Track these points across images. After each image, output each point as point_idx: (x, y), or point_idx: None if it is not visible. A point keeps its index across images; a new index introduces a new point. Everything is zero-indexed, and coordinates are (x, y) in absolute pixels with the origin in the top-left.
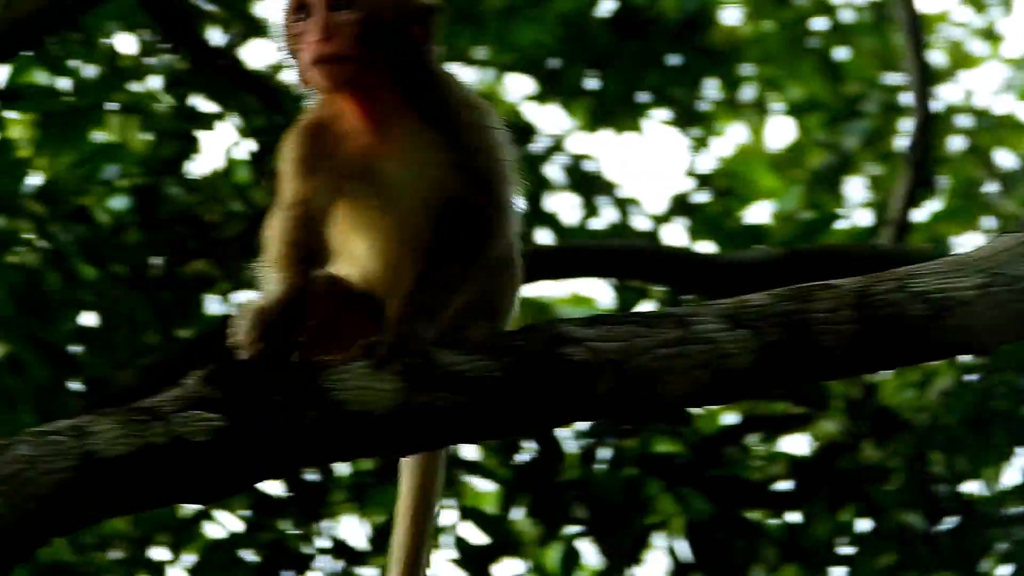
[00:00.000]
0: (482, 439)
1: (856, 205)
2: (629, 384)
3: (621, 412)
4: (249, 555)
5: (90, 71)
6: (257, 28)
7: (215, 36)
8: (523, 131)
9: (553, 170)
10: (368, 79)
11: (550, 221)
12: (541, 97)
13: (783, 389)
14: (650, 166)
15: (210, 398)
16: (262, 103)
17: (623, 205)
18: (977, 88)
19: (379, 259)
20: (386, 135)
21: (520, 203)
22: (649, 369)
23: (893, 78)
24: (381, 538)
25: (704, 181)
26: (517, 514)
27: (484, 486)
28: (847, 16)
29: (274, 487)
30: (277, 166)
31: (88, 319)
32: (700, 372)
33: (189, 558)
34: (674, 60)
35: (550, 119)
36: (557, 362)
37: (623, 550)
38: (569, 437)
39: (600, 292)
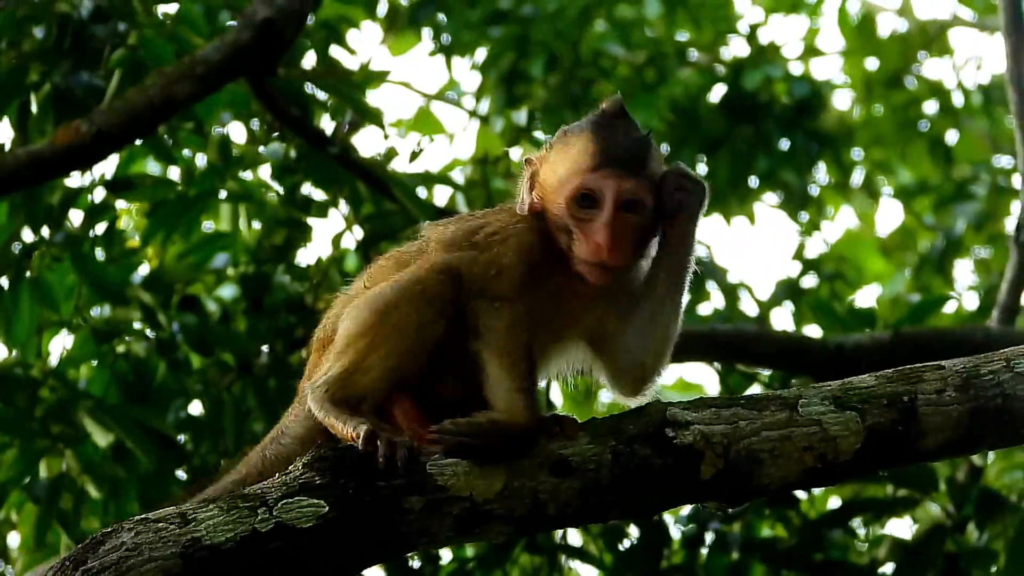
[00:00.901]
0: (587, 523)
1: (964, 288)
2: (734, 467)
3: (726, 495)
4: None
5: (201, 159)
6: (367, 116)
7: (326, 124)
8: None
9: None
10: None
11: None
12: None
13: (888, 471)
14: (759, 250)
15: (315, 484)
16: (371, 190)
17: (732, 290)
18: None
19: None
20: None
21: None
22: (755, 452)
23: (1003, 160)
24: None
25: (812, 265)
26: None
27: (589, 573)
28: (957, 99)
29: (378, 573)
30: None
31: (195, 407)
32: (806, 455)
33: None
34: (784, 144)
35: None
36: (664, 445)
37: None
38: (673, 521)
39: (706, 377)
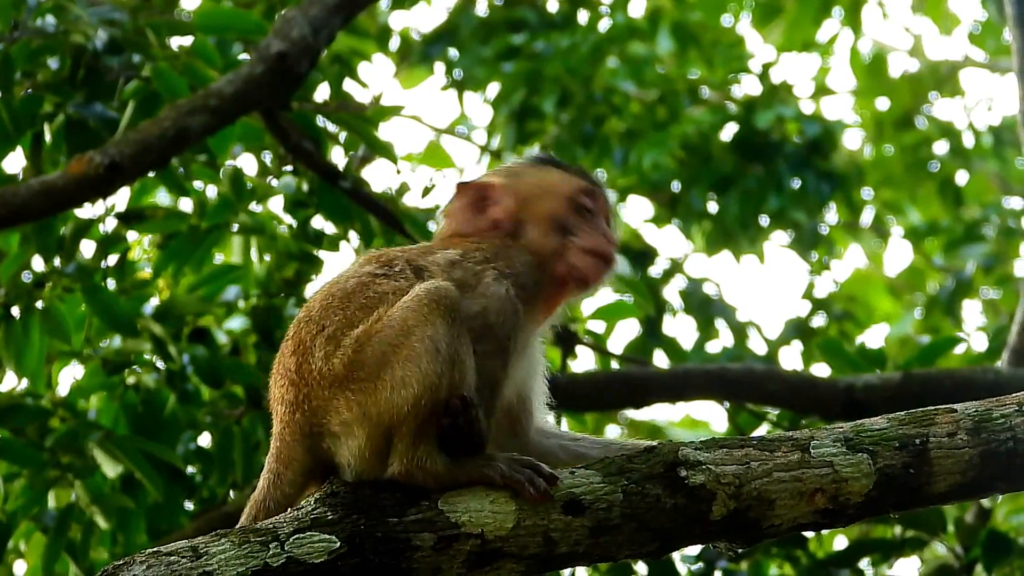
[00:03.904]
0: (597, 562)
1: (973, 329)
2: (745, 508)
3: (736, 535)
4: None
5: (213, 192)
6: (379, 150)
7: (338, 157)
8: (643, 254)
9: (671, 293)
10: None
11: (668, 344)
12: (660, 220)
13: (899, 512)
14: (768, 288)
15: (326, 520)
16: (383, 224)
17: (741, 328)
18: None
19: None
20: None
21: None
22: (766, 493)
23: (1013, 202)
24: None
25: (821, 304)
26: None
27: None
28: (968, 140)
29: None
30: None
31: (204, 439)
32: (817, 497)
33: None
34: (795, 183)
35: (669, 242)
36: (676, 485)
37: None
38: (680, 559)
39: (713, 415)
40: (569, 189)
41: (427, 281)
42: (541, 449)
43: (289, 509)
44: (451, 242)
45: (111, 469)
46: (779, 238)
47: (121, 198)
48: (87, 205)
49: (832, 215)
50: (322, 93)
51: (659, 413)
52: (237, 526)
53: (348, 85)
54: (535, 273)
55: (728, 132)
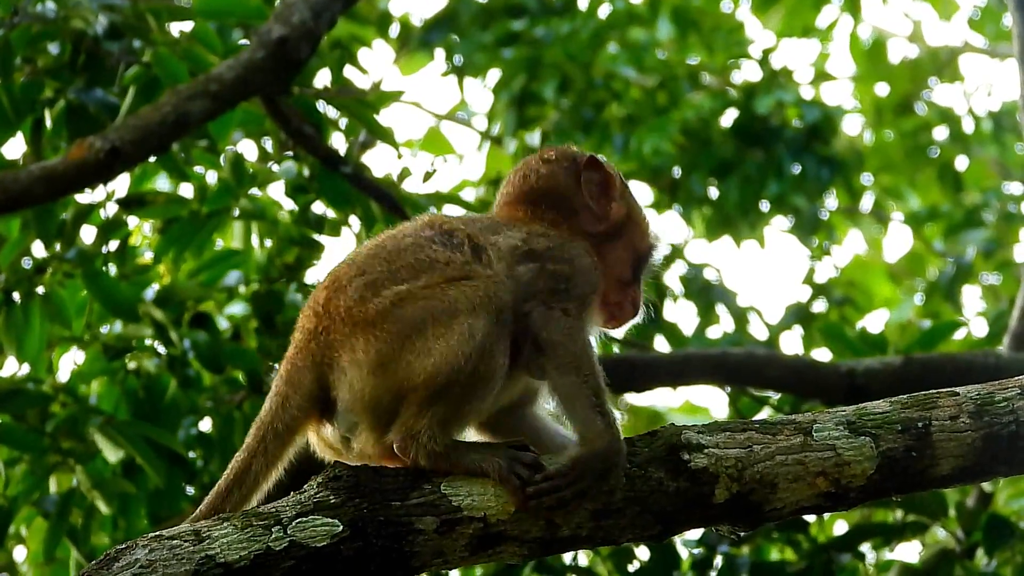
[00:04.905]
0: (600, 545)
1: (973, 314)
2: (748, 491)
3: (739, 519)
4: None
5: (213, 177)
6: (379, 135)
7: (339, 143)
8: None
9: (672, 278)
10: None
11: (669, 329)
12: (661, 205)
13: (901, 496)
14: (769, 274)
15: (329, 503)
16: (383, 210)
17: (742, 314)
18: None
19: None
20: None
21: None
22: (768, 476)
23: (1012, 187)
24: None
25: (822, 290)
26: None
27: None
28: (967, 125)
29: None
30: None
31: (205, 424)
32: (819, 480)
33: None
34: (795, 169)
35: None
36: (678, 469)
37: None
38: (682, 543)
39: (714, 400)
40: (654, 238)
41: (488, 271)
42: (531, 433)
43: (292, 493)
44: (517, 216)
45: (112, 454)
46: (779, 223)
47: (122, 183)
48: (88, 191)
49: (832, 200)
50: (323, 79)
51: (659, 399)
52: (244, 444)
53: (348, 71)
54: (587, 284)
55: (728, 118)
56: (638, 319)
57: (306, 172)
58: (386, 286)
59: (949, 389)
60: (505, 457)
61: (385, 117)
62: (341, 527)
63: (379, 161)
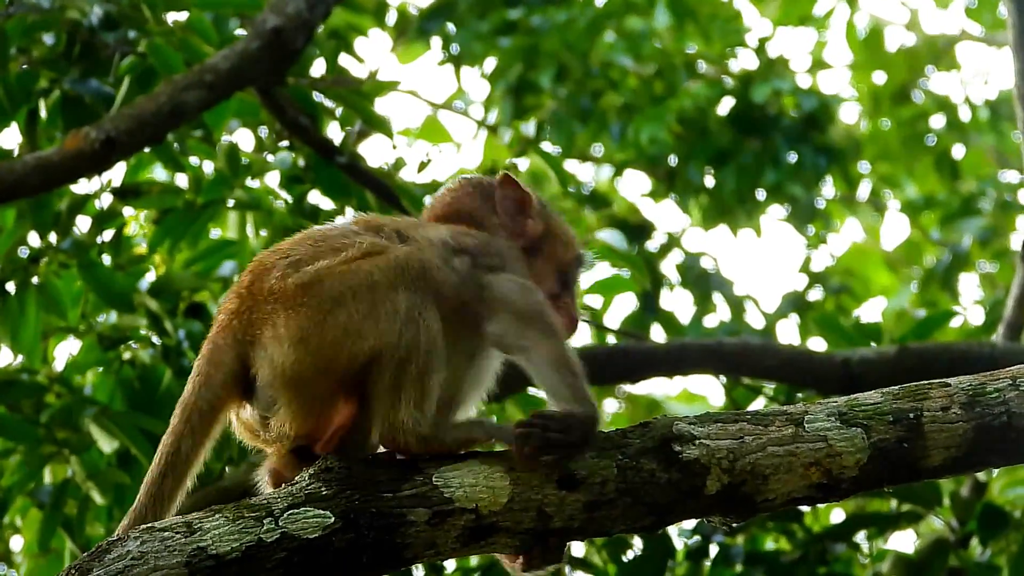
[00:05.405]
0: (592, 536)
1: (970, 303)
2: (740, 482)
3: (731, 510)
4: None
5: (209, 167)
6: (375, 125)
7: (334, 133)
8: (640, 228)
9: (669, 267)
10: None
11: (666, 318)
12: (658, 194)
13: (893, 486)
14: (765, 262)
15: (321, 495)
16: (379, 200)
17: (738, 302)
18: None
19: None
20: None
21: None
22: (760, 467)
23: (1009, 175)
24: None
25: (818, 278)
26: None
27: None
28: (964, 114)
29: None
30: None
31: None
32: (811, 471)
33: None
34: (792, 157)
35: (667, 216)
36: (670, 460)
37: None
38: (677, 533)
39: (711, 389)
40: (578, 251)
41: (405, 247)
42: None
43: (284, 484)
44: (442, 221)
45: (107, 445)
46: (776, 212)
47: (117, 174)
48: (83, 181)
49: (829, 189)
50: (318, 68)
51: (656, 387)
52: (170, 427)
53: (344, 60)
54: (523, 272)
55: (725, 106)
56: (577, 331)
57: (301, 162)
58: (308, 264)
59: (940, 380)
60: (489, 423)
61: (381, 107)
62: (333, 519)
63: (375, 151)
